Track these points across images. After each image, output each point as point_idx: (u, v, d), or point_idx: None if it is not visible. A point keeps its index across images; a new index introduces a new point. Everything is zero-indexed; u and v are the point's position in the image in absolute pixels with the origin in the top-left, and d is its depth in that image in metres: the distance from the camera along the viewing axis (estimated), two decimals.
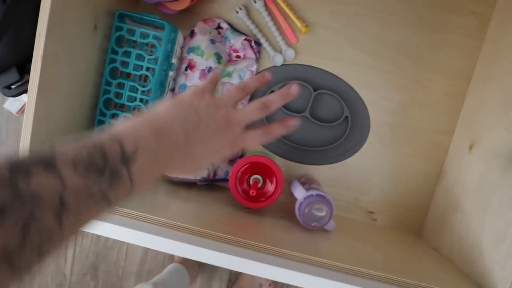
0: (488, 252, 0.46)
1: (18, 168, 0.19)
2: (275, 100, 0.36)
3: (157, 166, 0.28)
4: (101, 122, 0.55)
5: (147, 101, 0.54)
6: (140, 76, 0.58)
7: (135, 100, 0.54)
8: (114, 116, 0.55)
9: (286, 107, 0.61)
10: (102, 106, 0.54)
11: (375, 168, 0.63)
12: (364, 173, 0.63)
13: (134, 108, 0.57)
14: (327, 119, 0.61)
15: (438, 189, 0.62)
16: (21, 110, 0.91)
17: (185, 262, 0.90)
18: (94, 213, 0.24)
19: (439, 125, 0.61)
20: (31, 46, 0.45)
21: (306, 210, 0.54)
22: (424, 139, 0.61)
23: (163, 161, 0.29)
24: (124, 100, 0.54)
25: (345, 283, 0.39)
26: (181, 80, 0.58)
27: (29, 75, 0.64)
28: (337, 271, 0.42)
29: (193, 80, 0.57)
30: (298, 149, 0.62)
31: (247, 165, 0.52)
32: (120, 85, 0.55)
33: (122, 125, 0.27)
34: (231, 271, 0.94)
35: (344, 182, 0.63)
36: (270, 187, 0.54)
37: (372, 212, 0.64)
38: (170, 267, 0.87)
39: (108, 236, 0.41)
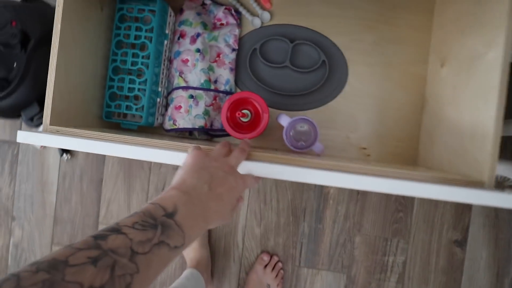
0: (469, 149, 0.47)
1: (98, 236, 0.29)
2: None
3: (197, 213, 0.36)
4: (108, 114, 0.66)
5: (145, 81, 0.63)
6: (141, 46, 0.67)
7: (135, 64, 0.63)
8: (118, 106, 0.65)
9: (268, 60, 0.68)
10: (108, 99, 0.65)
11: (360, 106, 0.66)
12: (350, 112, 0.67)
13: (136, 96, 0.66)
14: (307, 66, 0.67)
15: (424, 116, 0.64)
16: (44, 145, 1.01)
17: (198, 266, 0.91)
18: (161, 257, 0.31)
19: (412, 57, 0.65)
20: None
21: (292, 132, 0.58)
22: (401, 72, 0.66)
23: (200, 208, 0.37)
24: (125, 91, 0.64)
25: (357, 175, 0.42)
26: (175, 48, 0.67)
27: None
28: (347, 172, 0.44)
29: (185, 46, 0.66)
30: (284, 96, 0.68)
31: (235, 101, 0.58)
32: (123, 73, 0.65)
33: (158, 197, 0.36)
34: (239, 276, 0.93)
35: (332, 123, 0.67)
36: (259, 116, 0.58)
37: (364, 148, 0.66)
38: (186, 272, 0.88)
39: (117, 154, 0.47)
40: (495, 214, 0.86)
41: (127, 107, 0.65)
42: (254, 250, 0.94)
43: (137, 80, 0.64)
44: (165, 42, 0.66)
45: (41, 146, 1.01)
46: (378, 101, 0.66)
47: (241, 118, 0.58)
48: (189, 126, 0.63)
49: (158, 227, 0.31)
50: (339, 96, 0.67)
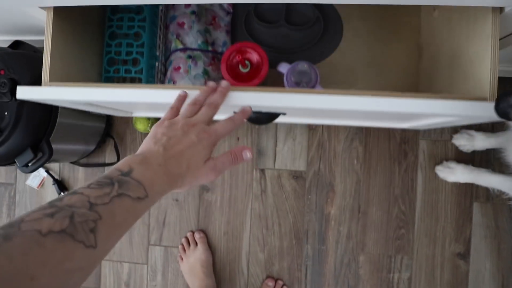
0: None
1: (53, 200, 0.28)
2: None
3: (155, 170, 0.35)
4: (107, 79, 0.66)
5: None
6: (136, 9, 0.66)
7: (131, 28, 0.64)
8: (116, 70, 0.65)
9: (262, 19, 0.68)
10: (106, 65, 0.65)
11: (357, 60, 0.68)
12: (348, 67, 0.68)
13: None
14: (302, 23, 0.68)
15: (421, 63, 0.66)
16: (41, 184, 1.00)
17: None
18: (125, 207, 0.31)
19: (406, 7, 0.66)
20: (41, 128, 0.54)
21: (292, 78, 0.59)
22: (395, 22, 0.67)
23: (157, 166, 0.36)
24: (123, 55, 0.64)
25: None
26: (170, 13, 0.69)
27: (41, 152, 0.76)
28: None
29: (180, 10, 0.67)
30: (281, 54, 0.68)
31: (236, 49, 0.59)
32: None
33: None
34: None
35: (330, 78, 0.67)
36: (258, 69, 0.60)
37: None
38: None
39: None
40: (495, 224, 0.87)
41: (126, 71, 0.65)
42: (260, 276, 0.93)
43: (135, 43, 0.64)
44: (160, 7, 0.67)
45: (38, 186, 1.00)
46: (375, 53, 0.67)
47: (241, 68, 0.60)
48: None
49: (115, 183, 0.31)
50: (336, 51, 0.68)
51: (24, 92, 0.49)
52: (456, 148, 0.87)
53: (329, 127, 0.91)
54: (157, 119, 0.93)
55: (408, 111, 0.43)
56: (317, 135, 0.91)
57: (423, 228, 0.89)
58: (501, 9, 0.44)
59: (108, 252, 0.30)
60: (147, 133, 0.94)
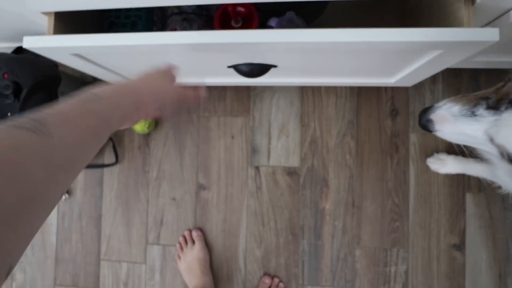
0: None
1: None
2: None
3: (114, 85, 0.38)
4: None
5: None
6: None
7: None
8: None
9: None
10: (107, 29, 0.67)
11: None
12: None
13: None
14: None
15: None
16: None
17: None
18: (74, 103, 0.31)
19: None
20: None
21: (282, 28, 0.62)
22: None
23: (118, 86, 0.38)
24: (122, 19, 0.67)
25: None
26: None
27: None
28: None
29: None
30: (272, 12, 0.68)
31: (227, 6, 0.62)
32: None
33: None
34: None
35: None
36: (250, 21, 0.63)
37: None
38: None
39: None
40: (489, 214, 0.88)
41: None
42: (257, 272, 0.94)
43: (133, 7, 0.67)
44: None
45: None
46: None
47: (233, 23, 0.63)
48: None
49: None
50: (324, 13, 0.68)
51: (31, 42, 0.53)
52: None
53: (320, 123, 0.93)
54: (153, 122, 0.96)
55: (396, 40, 0.45)
56: (310, 131, 0.94)
57: (418, 221, 0.90)
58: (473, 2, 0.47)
59: (73, 147, 0.27)
60: (144, 134, 0.97)
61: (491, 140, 0.40)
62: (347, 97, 0.93)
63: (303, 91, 0.94)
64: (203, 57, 0.61)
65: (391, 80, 0.78)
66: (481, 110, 0.41)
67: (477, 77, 0.89)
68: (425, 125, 0.46)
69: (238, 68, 0.63)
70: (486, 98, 0.41)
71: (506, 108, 0.38)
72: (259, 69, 0.62)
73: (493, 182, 0.79)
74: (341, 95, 0.93)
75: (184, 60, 0.61)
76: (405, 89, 0.92)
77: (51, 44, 0.54)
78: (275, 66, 0.63)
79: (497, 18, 0.52)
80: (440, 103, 0.45)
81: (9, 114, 0.75)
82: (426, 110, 0.46)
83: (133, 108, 0.38)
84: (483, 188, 0.88)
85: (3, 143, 0.21)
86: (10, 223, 0.19)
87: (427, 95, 0.91)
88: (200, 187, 0.97)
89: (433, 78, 0.90)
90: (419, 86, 0.91)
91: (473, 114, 0.41)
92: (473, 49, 0.49)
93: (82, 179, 1.01)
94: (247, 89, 0.96)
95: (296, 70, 0.72)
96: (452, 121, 0.43)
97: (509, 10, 0.50)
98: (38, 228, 0.23)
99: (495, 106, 0.39)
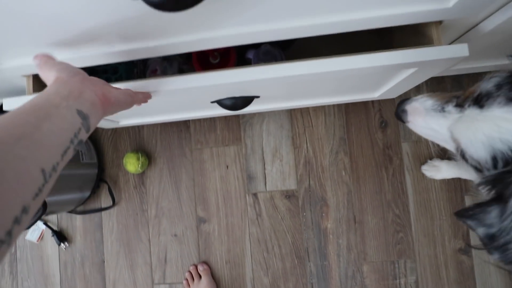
0: None
1: None
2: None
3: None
4: None
5: None
6: None
7: None
8: None
9: None
10: None
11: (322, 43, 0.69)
12: (313, 51, 0.70)
13: None
14: None
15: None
16: (40, 237, 1.01)
17: None
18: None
19: None
20: None
21: (259, 60, 0.63)
22: None
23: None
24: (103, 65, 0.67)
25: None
26: None
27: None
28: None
29: None
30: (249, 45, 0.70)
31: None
32: None
33: None
34: None
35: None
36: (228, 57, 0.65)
37: None
38: None
39: None
40: None
41: (107, 79, 0.68)
42: None
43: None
44: None
45: (38, 239, 1.01)
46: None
47: (211, 60, 0.65)
48: None
49: None
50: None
51: (11, 103, 0.53)
52: (438, 145, 0.90)
53: (312, 143, 0.94)
54: (146, 160, 0.96)
55: (364, 66, 0.47)
56: (303, 152, 0.94)
57: (421, 229, 0.90)
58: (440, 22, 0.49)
59: None
60: (138, 174, 0.97)
61: (452, 136, 0.41)
62: (336, 115, 0.94)
63: (292, 113, 0.95)
64: (185, 96, 0.61)
65: (374, 95, 0.80)
66: (450, 107, 0.41)
67: (460, 80, 0.91)
68: (400, 115, 0.47)
69: (222, 103, 0.64)
70: (458, 97, 0.42)
71: (469, 106, 0.38)
72: (242, 102, 0.63)
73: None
74: (329, 113, 0.94)
75: (164, 100, 0.62)
76: (391, 100, 0.93)
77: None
78: (257, 97, 0.64)
79: (467, 32, 0.54)
80: (418, 96, 0.46)
81: None
82: (404, 101, 0.47)
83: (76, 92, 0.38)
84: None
85: None
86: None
87: None
88: (200, 220, 0.96)
89: (418, 87, 0.92)
90: (404, 95, 0.92)
91: (442, 110, 0.42)
92: (445, 64, 0.50)
93: (81, 224, 1.00)
94: (236, 117, 0.97)
95: (279, 96, 0.73)
96: (423, 114, 0.44)
97: (477, 25, 0.52)
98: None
99: (461, 104, 0.40)
